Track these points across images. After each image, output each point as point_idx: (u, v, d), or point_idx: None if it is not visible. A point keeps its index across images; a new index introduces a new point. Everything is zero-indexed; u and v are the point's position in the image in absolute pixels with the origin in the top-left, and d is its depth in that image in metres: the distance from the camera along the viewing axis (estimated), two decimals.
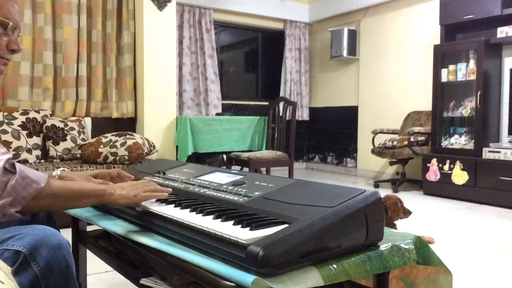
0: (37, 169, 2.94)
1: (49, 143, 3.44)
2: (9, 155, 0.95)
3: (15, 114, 3.39)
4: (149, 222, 1.09)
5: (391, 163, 4.96)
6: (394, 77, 5.46)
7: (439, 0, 4.53)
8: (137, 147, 3.31)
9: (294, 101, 4.66)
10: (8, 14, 1.04)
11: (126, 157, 3.27)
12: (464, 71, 4.28)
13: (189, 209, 1.07)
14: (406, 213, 2.48)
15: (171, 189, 1.17)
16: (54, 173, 1.27)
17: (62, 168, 1.32)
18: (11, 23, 1.04)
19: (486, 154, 4.00)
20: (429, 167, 4.40)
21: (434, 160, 4.36)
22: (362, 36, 5.89)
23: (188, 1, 5.43)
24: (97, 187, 1.07)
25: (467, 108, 4.28)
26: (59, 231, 1.00)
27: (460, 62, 4.33)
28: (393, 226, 2.45)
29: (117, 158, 3.26)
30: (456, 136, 4.40)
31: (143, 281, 1.15)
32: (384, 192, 4.35)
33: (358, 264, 0.90)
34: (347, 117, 6.15)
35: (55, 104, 3.88)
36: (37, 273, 0.89)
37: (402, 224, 2.56)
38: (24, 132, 3.36)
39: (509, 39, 4.06)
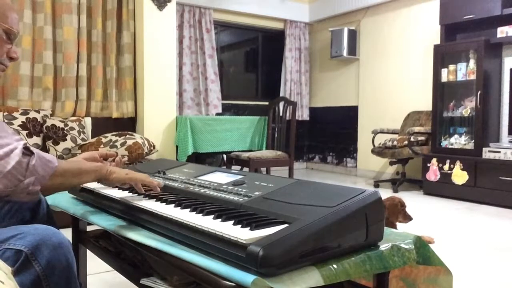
0: None
1: (49, 143, 3.44)
2: (24, 141, 1.02)
3: (15, 114, 3.40)
4: (149, 222, 1.09)
5: (391, 163, 4.96)
6: (394, 77, 5.46)
7: (439, 0, 4.53)
8: (137, 147, 3.32)
9: (294, 101, 4.66)
10: (12, 24, 1.09)
11: (126, 157, 3.27)
12: (464, 71, 4.28)
13: (189, 209, 1.07)
14: (406, 218, 2.44)
15: (162, 184, 1.24)
16: None
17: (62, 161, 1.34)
18: (14, 32, 1.09)
19: (486, 154, 4.00)
20: (429, 167, 4.41)
21: (434, 160, 4.36)
22: (362, 36, 5.89)
23: (188, 1, 5.43)
24: (94, 164, 1.18)
25: (467, 108, 4.28)
26: (59, 230, 1.00)
27: (460, 62, 4.33)
28: (393, 226, 2.44)
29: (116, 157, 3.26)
30: (456, 136, 4.40)
31: (143, 281, 1.15)
32: (384, 192, 4.36)
33: (358, 264, 0.90)
34: (347, 117, 6.15)
35: (55, 104, 3.89)
36: (38, 272, 0.89)
37: (402, 224, 2.56)
38: (24, 132, 3.36)
39: (509, 39, 4.06)
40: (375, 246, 0.97)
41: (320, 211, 0.91)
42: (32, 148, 1.01)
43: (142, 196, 1.23)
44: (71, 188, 1.14)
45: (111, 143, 3.30)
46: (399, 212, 2.42)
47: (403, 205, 2.45)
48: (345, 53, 5.82)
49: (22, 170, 0.97)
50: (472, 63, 4.21)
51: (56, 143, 3.44)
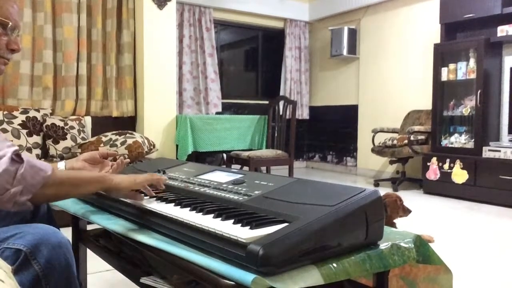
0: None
1: (49, 142, 3.44)
2: (16, 147, 0.97)
3: (15, 113, 3.39)
4: (149, 220, 1.09)
5: (391, 162, 4.96)
6: (394, 76, 5.46)
7: None
8: (137, 146, 3.31)
9: (294, 100, 4.66)
10: (8, 14, 1.05)
11: (126, 156, 3.27)
12: (464, 70, 4.27)
13: (189, 208, 1.07)
14: (406, 211, 2.48)
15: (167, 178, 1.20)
16: (59, 168, 1.28)
17: (64, 161, 1.33)
18: (10, 23, 1.05)
19: (486, 153, 4.00)
20: (429, 166, 4.41)
21: (434, 159, 4.36)
22: (362, 35, 5.88)
23: (188, 0, 5.43)
24: (98, 174, 1.12)
25: (467, 107, 4.28)
26: (59, 230, 1.00)
27: (460, 61, 4.33)
28: (393, 225, 2.45)
29: (117, 157, 3.26)
30: (456, 135, 4.40)
31: (143, 280, 1.15)
32: (384, 191, 4.35)
33: (358, 263, 0.90)
34: (347, 116, 6.15)
35: (55, 103, 3.88)
36: (38, 271, 0.89)
37: (402, 223, 2.57)
38: (24, 131, 3.36)
39: (509, 38, 4.05)
40: (375, 245, 0.97)
41: (320, 210, 0.91)
42: (23, 156, 0.97)
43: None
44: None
45: (111, 142, 3.30)
46: (399, 207, 2.45)
47: (400, 199, 2.49)
48: (345, 52, 5.82)
49: (9, 179, 0.92)
50: (472, 62, 4.21)
51: (56, 142, 3.44)
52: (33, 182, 0.96)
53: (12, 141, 3.24)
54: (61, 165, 1.30)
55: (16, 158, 0.95)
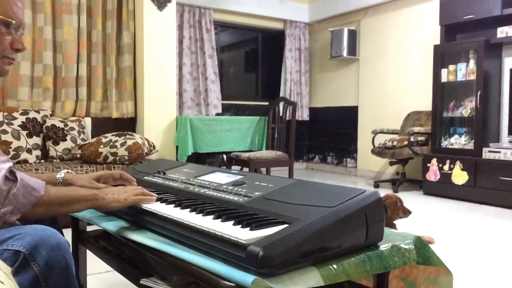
0: (37, 169, 2.86)
1: (49, 143, 3.44)
2: (10, 164, 0.96)
3: (15, 114, 3.39)
4: (149, 222, 1.09)
5: (391, 163, 4.96)
6: (394, 77, 5.46)
7: (439, 0, 4.53)
8: (137, 147, 3.31)
9: (294, 101, 4.66)
10: (11, 13, 1.03)
11: (126, 157, 3.27)
12: (464, 71, 4.28)
13: (189, 209, 1.07)
14: (406, 212, 2.48)
15: (156, 196, 1.20)
16: (58, 175, 1.28)
17: (66, 170, 1.32)
18: (14, 22, 1.04)
19: (486, 154, 4.00)
20: (429, 167, 4.40)
21: (434, 160, 4.36)
22: (362, 36, 5.89)
23: (188, 1, 5.43)
24: (89, 192, 1.10)
25: (467, 108, 4.28)
26: (62, 232, 1.00)
27: (460, 62, 4.33)
28: (393, 226, 2.45)
29: (117, 158, 3.26)
30: (456, 136, 4.40)
31: (143, 281, 1.14)
32: (384, 192, 4.35)
33: (358, 264, 0.90)
34: (347, 117, 6.15)
35: (55, 104, 3.88)
36: (37, 273, 0.89)
37: (402, 224, 2.56)
38: (24, 132, 3.36)
39: (509, 39, 4.06)
40: (375, 246, 0.97)
41: (320, 211, 0.91)
42: (17, 173, 0.96)
43: None
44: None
45: (111, 143, 3.30)
46: (399, 209, 2.45)
47: (401, 200, 2.48)
48: (345, 53, 5.82)
49: (0, 198, 0.92)
50: (472, 63, 4.21)
51: (56, 143, 3.44)
52: (25, 202, 0.95)
53: (11, 142, 3.24)
54: (60, 176, 1.28)
55: (10, 176, 0.94)
